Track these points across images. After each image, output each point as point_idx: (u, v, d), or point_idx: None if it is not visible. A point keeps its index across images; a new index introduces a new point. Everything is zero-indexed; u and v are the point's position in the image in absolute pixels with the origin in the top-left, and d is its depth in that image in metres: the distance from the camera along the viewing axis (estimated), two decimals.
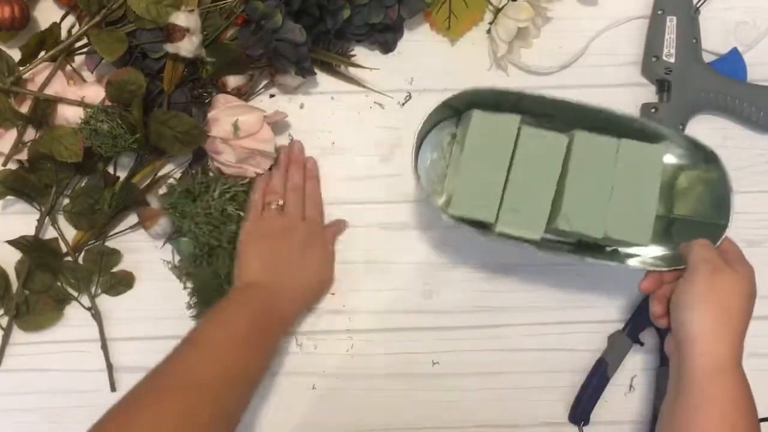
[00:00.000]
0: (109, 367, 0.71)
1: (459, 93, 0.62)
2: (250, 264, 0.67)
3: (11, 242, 0.68)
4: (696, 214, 0.65)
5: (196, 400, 0.55)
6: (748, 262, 0.59)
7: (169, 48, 0.64)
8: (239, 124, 0.67)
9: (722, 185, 0.62)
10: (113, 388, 0.70)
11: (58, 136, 0.65)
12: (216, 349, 0.60)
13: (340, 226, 0.73)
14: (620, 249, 0.66)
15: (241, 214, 0.70)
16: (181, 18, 0.63)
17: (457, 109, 0.66)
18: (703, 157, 0.64)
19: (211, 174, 0.71)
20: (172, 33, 0.63)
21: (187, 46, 0.64)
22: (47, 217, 0.70)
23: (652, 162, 0.63)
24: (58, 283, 0.71)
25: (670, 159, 0.66)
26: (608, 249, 0.66)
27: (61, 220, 0.71)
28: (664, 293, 0.61)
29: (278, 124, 0.72)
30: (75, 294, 0.71)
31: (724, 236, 0.62)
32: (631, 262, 0.64)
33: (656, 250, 0.65)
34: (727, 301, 0.55)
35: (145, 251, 0.72)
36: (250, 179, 0.71)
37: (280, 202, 0.70)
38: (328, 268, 0.72)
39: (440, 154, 0.68)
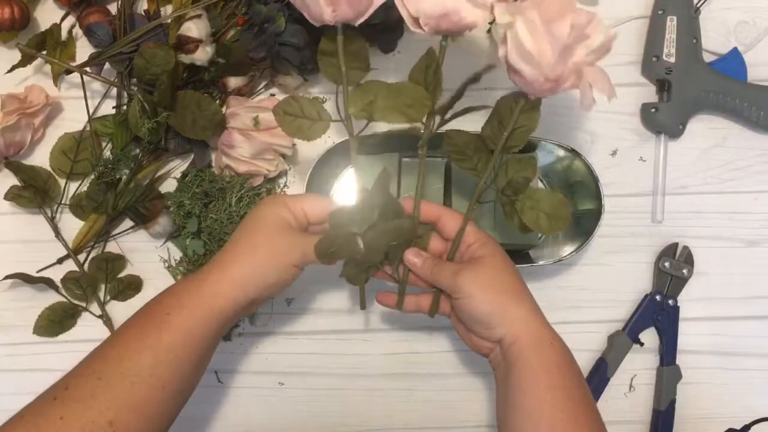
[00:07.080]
0: None
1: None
2: None
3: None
4: (594, 206, 0.68)
5: None
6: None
7: (184, 59, 0.64)
8: (260, 120, 0.67)
9: (593, 176, 0.67)
10: None
11: None
12: None
13: None
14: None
15: None
16: (192, 29, 0.63)
17: None
18: (574, 154, 0.68)
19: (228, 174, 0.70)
20: (185, 44, 0.63)
21: (201, 57, 0.64)
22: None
23: (527, 169, 0.67)
24: (63, 299, 0.70)
25: (560, 161, 0.70)
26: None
27: (62, 221, 0.71)
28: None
29: None
30: (83, 305, 0.71)
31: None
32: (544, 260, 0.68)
33: (571, 247, 0.68)
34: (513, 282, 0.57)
35: (143, 251, 0.72)
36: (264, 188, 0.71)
37: None
38: None
39: None
